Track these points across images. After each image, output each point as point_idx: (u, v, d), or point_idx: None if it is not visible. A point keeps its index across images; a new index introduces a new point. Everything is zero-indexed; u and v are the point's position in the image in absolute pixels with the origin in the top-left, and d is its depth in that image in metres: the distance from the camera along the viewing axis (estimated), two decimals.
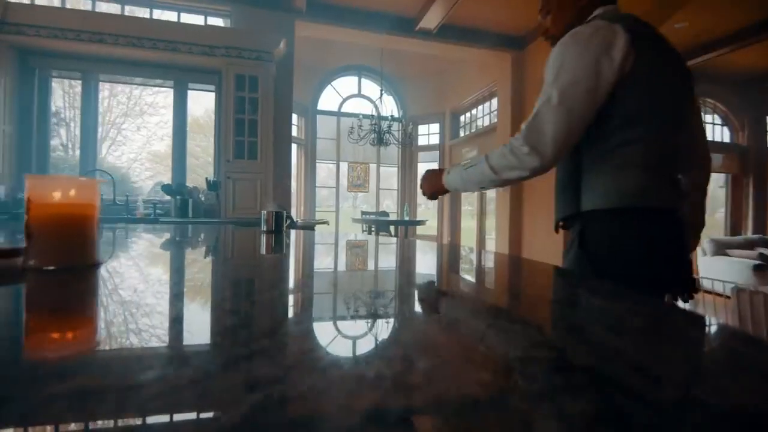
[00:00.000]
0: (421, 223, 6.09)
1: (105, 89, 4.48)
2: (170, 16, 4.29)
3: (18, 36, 3.56)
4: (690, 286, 0.95)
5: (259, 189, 3.92)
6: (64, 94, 4.41)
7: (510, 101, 5.46)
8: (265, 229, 1.64)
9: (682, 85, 0.94)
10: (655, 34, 0.93)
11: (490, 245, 6.38)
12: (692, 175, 1.05)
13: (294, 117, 6.84)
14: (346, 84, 7.51)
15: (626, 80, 0.85)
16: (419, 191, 1.29)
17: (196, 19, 4.35)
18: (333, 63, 7.06)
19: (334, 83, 7.34)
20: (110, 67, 3.98)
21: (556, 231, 1.08)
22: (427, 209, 12.08)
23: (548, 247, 4.79)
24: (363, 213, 6.64)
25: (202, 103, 4.54)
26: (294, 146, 6.84)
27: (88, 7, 4.18)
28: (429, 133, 7.75)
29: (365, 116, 5.97)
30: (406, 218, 6.21)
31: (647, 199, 0.89)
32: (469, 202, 7.50)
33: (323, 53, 6.66)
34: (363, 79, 7.53)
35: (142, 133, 4.80)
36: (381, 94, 6.45)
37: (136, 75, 4.08)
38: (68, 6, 4.20)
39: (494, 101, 6.18)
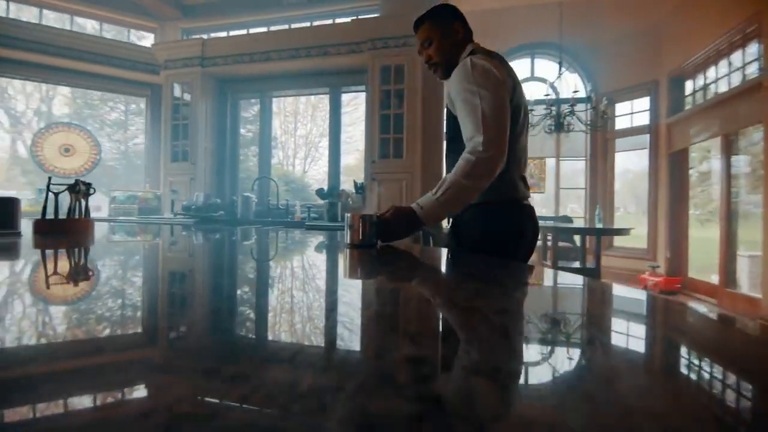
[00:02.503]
0: (623, 232, 4.41)
1: (287, 106, 4.94)
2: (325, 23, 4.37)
3: (215, 67, 4.19)
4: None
5: (405, 190, 3.48)
6: (244, 113, 5.08)
7: None
8: (349, 242, 1.06)
9: (526, 105, 1.27)
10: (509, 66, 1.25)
11: (754, 270, 4.13)
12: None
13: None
14: (516, 68, 6.45)
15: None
16: (389, 227, 1.14)
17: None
18: (498, 46, 6.15)
19: None
20: (278, 83, 4.30)
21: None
22: (627, 213, 9.57)
23: None
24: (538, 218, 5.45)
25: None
26: None
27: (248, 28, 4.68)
28: (632, 112, 5.87)
29: (538, 101, 4.85)
30: (599, 225, 4.72)
31: (511, 194, 1.20)
32: (694, 204, 5.25)
33: (486, 36, 5.86)
34: (536, 59, 6.33)
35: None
36: (560, 71, 5.18)
37: (298, 87, 4.30)
38: (240, 31, 4.78)
39: (752, 48, 4.06)
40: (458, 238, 1.26)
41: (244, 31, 4.54)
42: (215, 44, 4.12)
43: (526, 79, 6.32)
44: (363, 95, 4.05)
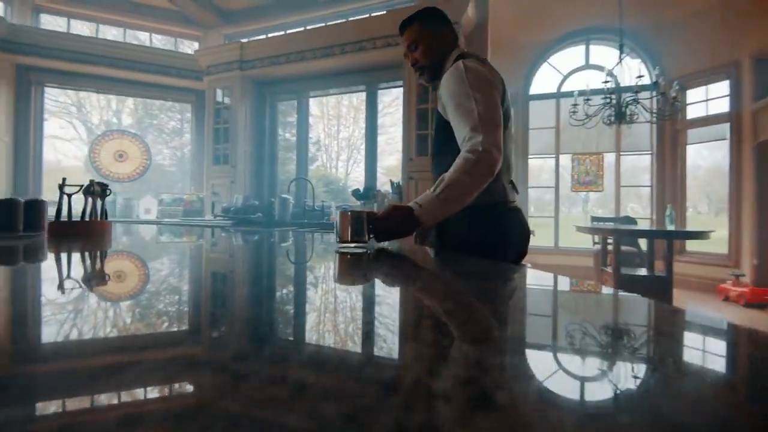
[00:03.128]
0: (701, 235, 3.67)
1: (330, 110, 4.88)
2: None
3: (253, 70, 4.20)
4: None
5: None
6: (290, 117, 5.08)
7: None
8: (338, 240, 0.98)
9: (511, 111, 1.23)
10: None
11: None
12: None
13: None
14: (567, 57, 5.96)
15: None
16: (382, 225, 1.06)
17: None
18: (548, 33, 5.71)
19: (551, 60, 5.94)
20: (315, 83, 4.23)
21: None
22: (698, 214, 8.55)
23: None
24: (594, 219, 4.95)
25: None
26: None
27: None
28: (708, 99, 5.17)
29: (594, 91, 4.38)
30: (671, 227, 4.16)
31: (500, 197, 1.18)
32: None
33: (534, 24, 5.45)
34: (592, 46, 5.79)
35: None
36: (621, 55, 4.66)
37: (335, 85, 4.20)
38: (277, 33, 4.76)
39: None
40: (444, 241, 1.24)
41: (280, 33, 4.53)
42: (253, 47, 4.14)
43: (580, 68, 5.81)
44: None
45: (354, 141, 7.34)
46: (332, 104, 6.93)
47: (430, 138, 3.31)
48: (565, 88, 5.87)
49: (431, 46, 1.24)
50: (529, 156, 5.85)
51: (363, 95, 4.13)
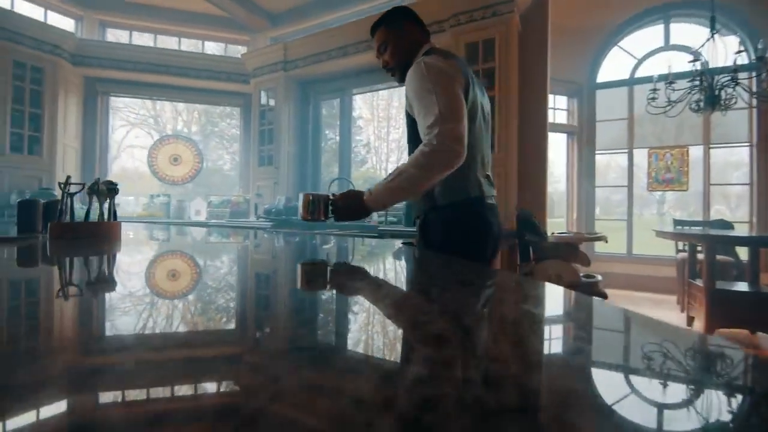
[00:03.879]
0: None
1: (380, 112, 4.71)
2: None
3: (296, 70, 4.14)
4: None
5: (499, 189, 2.87)
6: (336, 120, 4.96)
7: None
8: (300, 217, 1.22)
9: (487, 105, 1.29)
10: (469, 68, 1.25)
11: None
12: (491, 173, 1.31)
13: (561, 100, 5.37)
14: (642, 39, 5.25)
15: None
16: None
17: None
18: (620, 14, 5.07)
19: (622, 43, 5.28)
20: (357, 79, 4.06)
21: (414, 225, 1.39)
22: None
23: None
24: (677, 222, 4.26)
25: None
26: (562, 136, 5.34)
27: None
28: None
29: (678, 75, 3.74)
30: None
31: (475, 192, 1.18)
32: None
33: (602, 3, 4.86)
34: (672, 24, 5.05)
35: None
36: (712, 31, 3.95)
37: (377, 81, 4.00)
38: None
39: None
40: (425, 237, 1.26)
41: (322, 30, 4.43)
42: (295, 46, 4.07)
43: (659, 50, 5.08)
44: None
45: (404, 143, 7.17)
46: (382, 106, 6.71)
47: None
48: (639, 74, 5.17)
49: (398, 47, 1.27)
50: (597, 151, 5.22)
51: None
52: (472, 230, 1.17)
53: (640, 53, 5.23)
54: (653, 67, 5.17)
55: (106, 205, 1.33)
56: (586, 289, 2.16)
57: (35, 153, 4.04)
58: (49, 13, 4.63)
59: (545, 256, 2.29)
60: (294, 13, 4.86)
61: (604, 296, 2.12)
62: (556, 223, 5.29)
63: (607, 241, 3.27)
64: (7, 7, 4.19)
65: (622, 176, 5.29)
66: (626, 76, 5.27)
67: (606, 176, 5.86)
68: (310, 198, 1.19)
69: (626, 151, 5.20)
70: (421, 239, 1.27)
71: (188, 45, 5.38)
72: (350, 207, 1.18)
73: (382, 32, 1.29)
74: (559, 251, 2.22)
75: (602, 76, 5.32)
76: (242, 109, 5.10)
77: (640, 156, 5.11)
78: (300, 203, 1.19)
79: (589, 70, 5.26)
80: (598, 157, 5.29)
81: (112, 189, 1.31)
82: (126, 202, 4.70)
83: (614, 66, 5.38)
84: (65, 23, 4.73)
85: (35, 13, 4.46)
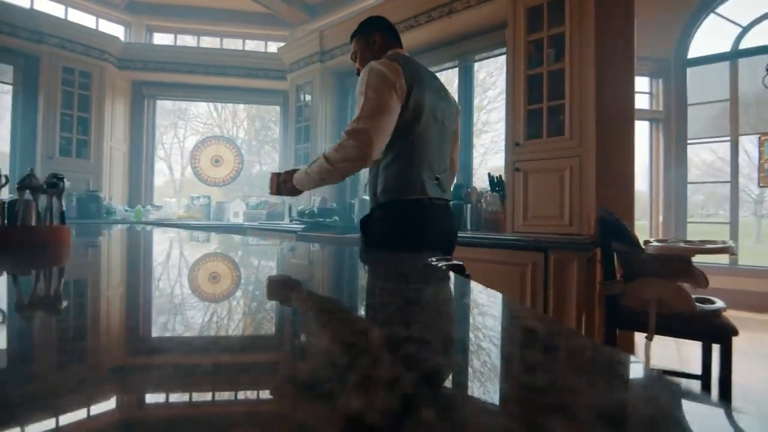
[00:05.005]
0: None
1: None
2: None
3: (332, 60, 3.82)
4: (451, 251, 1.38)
5: (570, 182, 2.30)
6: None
7: None
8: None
9: (448, 109, 1.34)
10: (425, 69, 1.31)
11: None
12: (448, 175, 1.38)
13: (642, 81, 4.55)
14: (747, 3, 4.29)
15: (404, 103, 1.18)
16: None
17: None
18: None
19: (720, 9, 4.35)
20: None
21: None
22: None
23: None
24: None
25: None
26: (644, 124, 4.53)
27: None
28: None
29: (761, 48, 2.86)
30: None
31: (416, 194, 1.21)
32: None
33: None
34: None
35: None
36: None
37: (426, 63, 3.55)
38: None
39: None
40: (366, 236, 1.30)
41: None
42: (330, 35, 3.75)
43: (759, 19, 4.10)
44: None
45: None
46: None
47: (546, 112, 2.41)
48: (745, 45, 4.22)
49: (365, 55, 1.37)
50: (688, 141, 4.34)
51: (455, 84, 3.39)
52: (410, 229, 1.21)
53: (745, 20, 4.27)
54: (763, 35, 4.21)
55: (55, 204, 1.03)
56: (706, 321, 1.54)
57: (83, 156, 4.10)
58: (100, 21, 4.76)
59: (640, 272, 1.70)
60: (332, 2, 4.57)
61: (734, 331, 1.49)
62: (638, 227, 4.47)
63: (734, 253, 2.48)
64: (61, 16, 4.33)
65: (707, 170, 4.35)
66: (727, 48, 4.33)
67: (697, 169, 4.89)
68: (271, 175, 1.40)
69: (727, 139, 4.26)
70: (362, 237, 1.34)
71: (229, 45, 5.31)
72: (284, 184, 1.35)
73: (355, 42, 1.40)
74: (662, 267, 1.62)
75: (694, 51, 4.42)
76: (281, 107, 4.91)
77: (750, 142, 4.15)
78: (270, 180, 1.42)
79: (677, 43, 4.40)
80: (693, 147, 4.39)
81: (54, 184, 1.00)
82: (168, 204, 4.68)
83: (710, 38, 4.45)
84: (115, 30, 4.83)
85: (87, 22, 4.59)
